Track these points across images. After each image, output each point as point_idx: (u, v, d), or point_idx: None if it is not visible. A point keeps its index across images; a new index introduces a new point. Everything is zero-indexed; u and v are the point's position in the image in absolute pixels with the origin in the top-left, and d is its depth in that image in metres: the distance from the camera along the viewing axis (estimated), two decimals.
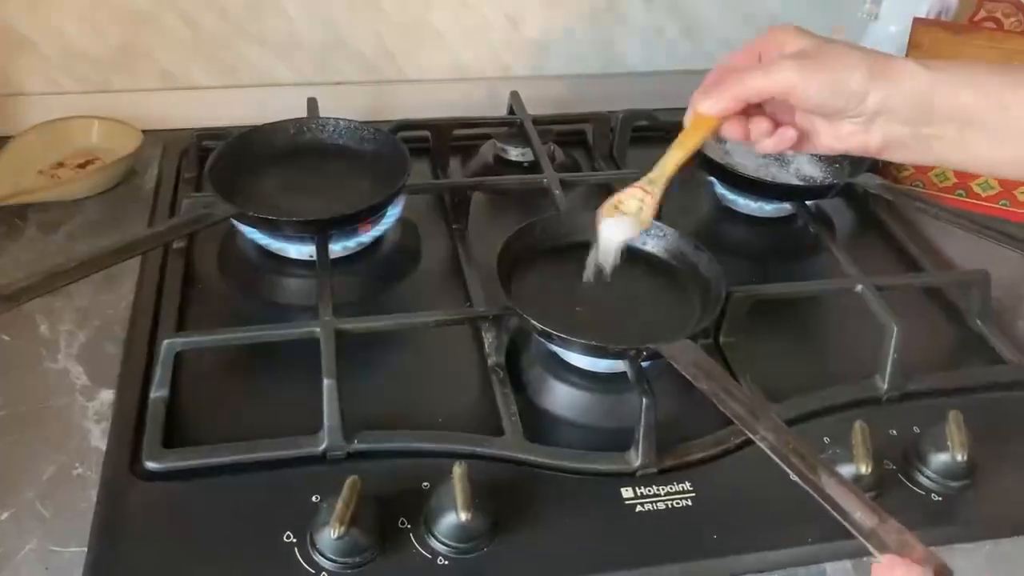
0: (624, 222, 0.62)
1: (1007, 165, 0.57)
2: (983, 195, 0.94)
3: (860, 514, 0.48)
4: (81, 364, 0.69)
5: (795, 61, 0.55)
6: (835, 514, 0.48)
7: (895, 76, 0.55)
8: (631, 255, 0.73)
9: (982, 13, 0.98)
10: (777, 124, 0.60)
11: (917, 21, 0.96)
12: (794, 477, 0.51)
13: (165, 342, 0.64)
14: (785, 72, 0.55)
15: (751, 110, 0.59)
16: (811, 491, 0.50)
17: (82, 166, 0.91)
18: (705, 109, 0.58)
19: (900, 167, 0.96)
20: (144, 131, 0.93)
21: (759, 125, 0.59)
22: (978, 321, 0.78)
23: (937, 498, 0.62)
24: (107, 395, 0.66)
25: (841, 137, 0.59)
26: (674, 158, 0.61)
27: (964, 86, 0.55)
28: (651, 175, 0.62)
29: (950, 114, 0.55)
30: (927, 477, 0.62)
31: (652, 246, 0.74)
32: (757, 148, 0.61)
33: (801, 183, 0.87)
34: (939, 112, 0.55)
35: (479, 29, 1.03)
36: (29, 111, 0.94)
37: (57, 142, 0.92)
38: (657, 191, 0.62)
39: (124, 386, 0.66)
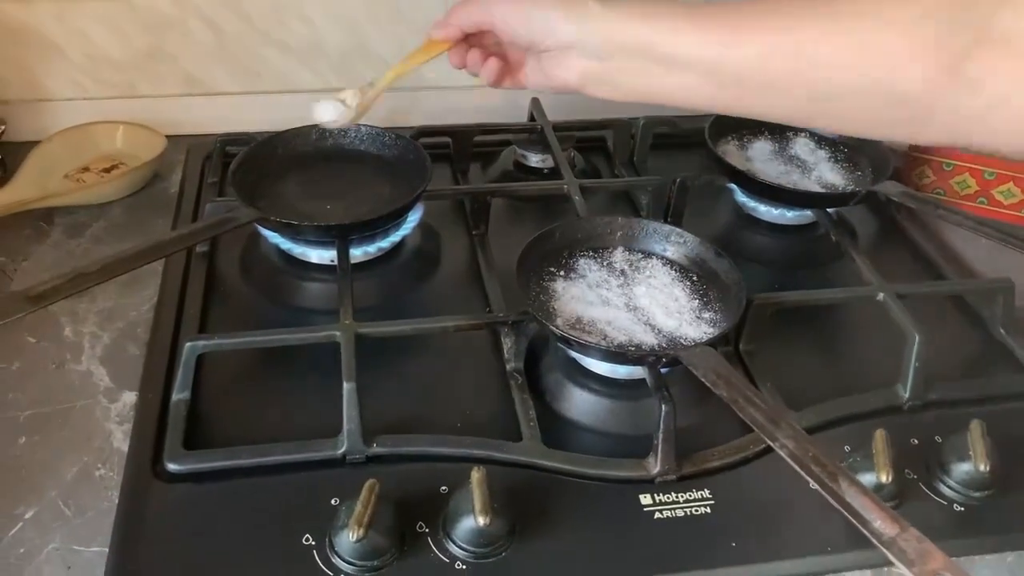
0: (333, 107, 0.69)
1: (688, 94, 0.61)
2: (1005, 203, 0.93)
3: (880, 523, 0.47)
4: (104, 366, 0.70)
5: None
6: (855, 522, 0.48)
7: (582, 11, 0.61)
8: (651, 257, 0.73)
9: None
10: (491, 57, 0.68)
11: None
12: (813, 485, 0.51)
13: (187, 344, 0.64)
14: (490, 5, 0.65)
15: (473, 42, 0.68)
16: (830, 499, 0.49)
17: (107, 170, 0.92)
18: (434, 34, 0.67)
19: (921, 175, 0.95)
20: (168, 136, 0.94)
21: (472, 56, 0.68)
22: (1002, 330, 0.77)
23: (959, 508, 0.61)
24: (130, 397, 0.67)
25: (545, 72, 0.66)
26: (396, 70, 0.70)
27: (638, 19, 0.60)
28: (372, 80, 0.70)
29: (631, 47, 0.60)
30: (949, 487, 0.62)
31: (672, 252, 0.74)
32: (482, 77, 0.69)
33: (823, 190, 0.86)
34: (621, 46, 0.61)
35: None
36: (56, 116, 0.95)
37: (83, 147, 0.93)
38: (372, 94, 0.70)
39: (146, 388, 0.67)
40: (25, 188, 0.86)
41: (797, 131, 0.94)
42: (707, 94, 0.60)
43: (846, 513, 0.49)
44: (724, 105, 0.61)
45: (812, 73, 0.55)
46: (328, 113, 0.70)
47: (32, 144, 0.91)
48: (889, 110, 0.55)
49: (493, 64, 0.68)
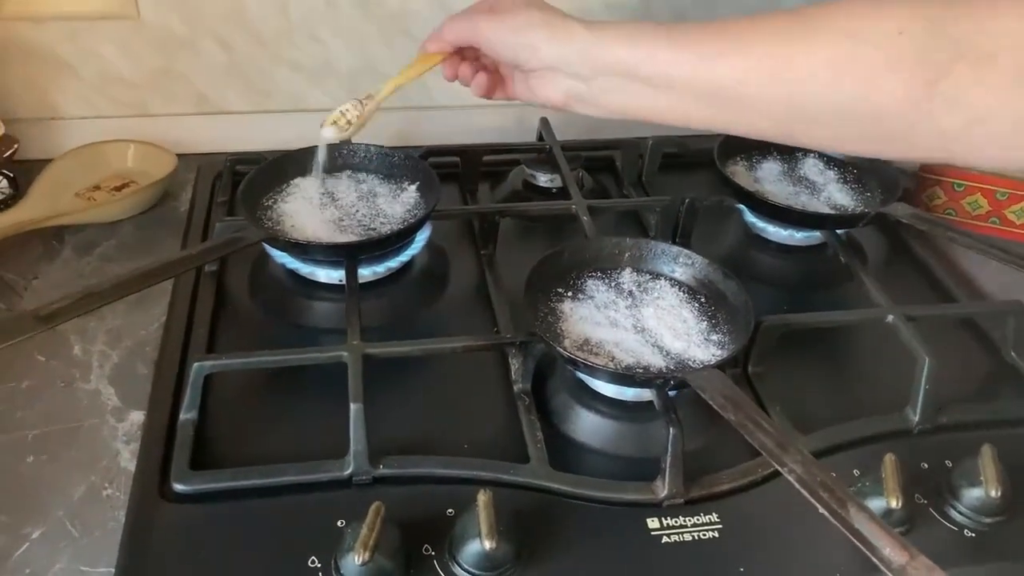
0: (335, 131, 0.72)
1: (669, 112, 0.62)
2: (1017, 222, 0.93)
3: (889, 550, 0.47)
4: (113, 385, 0.70)
5: (488, 14, 0.66)
6: (864, 549, 0.48)
7: (565, 35, 0.63)
8: (659, 278, 0.73)
9: None
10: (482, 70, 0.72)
11: None
12: (822, 511, 0.50)
13: (195, 365, 0.64)
14: (478, 23, 0.66)
15: (467, 55, 0.72)
16: (839, 526, 0.49)
17: (118, 189, 0.92)
18: (427, 47, 0.71)
19: (932, 196, 0.95)
20: (179, 155, 0.95)
21: (463, 69, 0.72)
22: (1013, 353, 0.76)
23: (970, 534, 0.60)
24: (137, 416, 0.67)
25: (532, 88, 0.68)
26: (393, 82, 0.73)
27: (619, 41, 0.61)
28: (371, 92, 0.73)
29: (612, 67, 0.62)
30: (960, 512, 0.61)
31: (680, 274, 0.73)
32: (472, 90, 0.73)
33: (832, 211, 0.86)
34: (603, 66, 0.62)
35: None
36: (68, 135, 0.96)
37: (94, 165, 0.94)
38: (371, 107, 0.73)
39: (154, 408, 0.67)
40: (36, 206, 0.86)
41: (806, 152, 0.94)
42: (686, 112, 0.61)
43: (855, 540, 0.48)
44: (704, 121, 0.61)
45: (789, 89, 0.56)
46: (331, 136, 0.73)
47: (44, 162, 0.92)
48: (868, 126, 0.55)
49: (482, 79, 0.72)
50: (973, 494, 0.60)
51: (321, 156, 0.81)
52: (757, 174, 0.91)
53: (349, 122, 0.72)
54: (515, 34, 0.65)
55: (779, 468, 0.53)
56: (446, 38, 0.70)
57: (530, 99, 0.69)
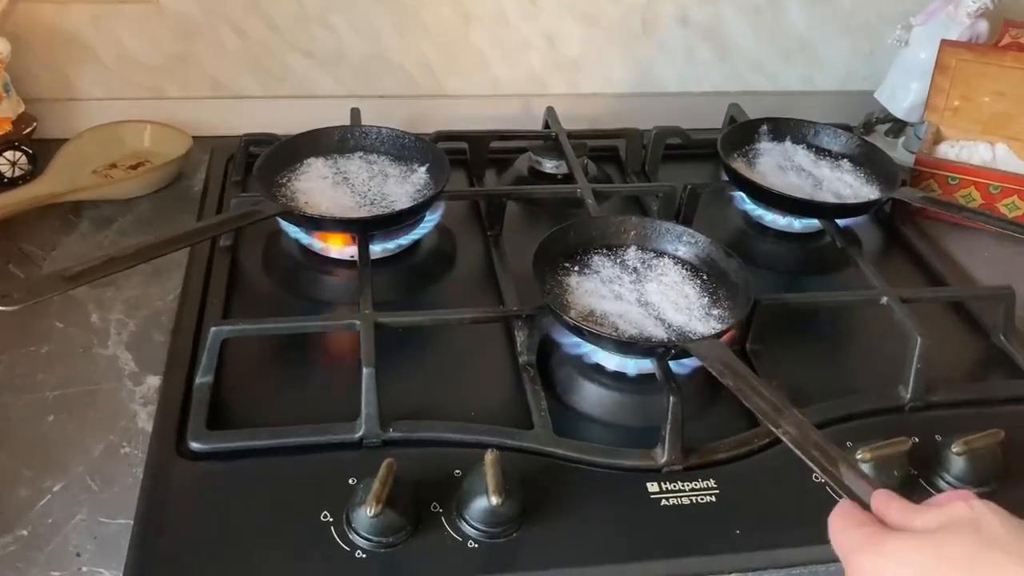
0: None
1: None
2: (1009, 215, 0.95)
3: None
4: (130, 351, 0.72)
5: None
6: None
7: None
8: (663, 256, 0.75)
9: (1007, 39, 1.00)
10: None
11: (944, 43, 0.98)
12: (814, 468, 0.52)
13: (212, 329, 0.66)
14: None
15: None
16: (831, 481, 0.51)
17: (133, 167, 0.94)
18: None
19: (927, 189, 0.97)
20: (194, 137, 0.97)
21: None
22: (1002, 337, 0.78)
23: None
24: (154, 380, 0.69)
25: None
26: None
27: None
28: None
29: None
30: (948, 484, 0.63)
31: (683, 252, 0.76)
32: None
33: (835, 200, 0.87)
34: None
35: (518, 48, 1.06)
36: (86, 115, 0.98)
37: (111, 144, 0.96)
38: None
39: (171, 372, 0.68)
40: (54, 181, 0.88)
41: (808, 145, 0.96)
42: None
43: (846, 496, 0.50)
44: None
45: None
46: None
47: (62, 141, 0.94)
48: None
49: None
50: (959, 465, 0.63)
51: None
52: (758, 164, 0.93)
53: None
54: None
55: (774, 429, 0.55)
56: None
57: None
